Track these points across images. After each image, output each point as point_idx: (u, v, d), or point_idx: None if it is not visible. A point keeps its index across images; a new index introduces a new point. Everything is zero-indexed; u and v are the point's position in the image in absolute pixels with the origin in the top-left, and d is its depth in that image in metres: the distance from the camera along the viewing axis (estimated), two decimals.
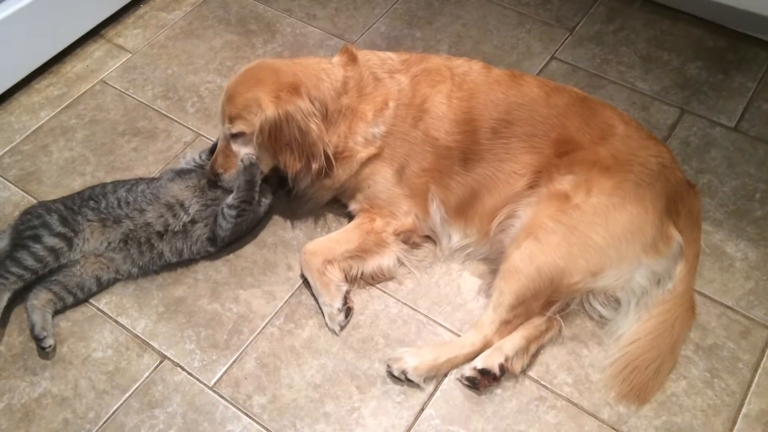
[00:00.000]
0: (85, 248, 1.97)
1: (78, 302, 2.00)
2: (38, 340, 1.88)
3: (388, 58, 2.10)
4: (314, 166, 1.99)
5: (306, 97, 1.94)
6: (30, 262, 1.90)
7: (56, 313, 1.97)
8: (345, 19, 2.84)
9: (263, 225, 2.19)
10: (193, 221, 2.02)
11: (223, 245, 2.09)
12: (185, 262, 2.09)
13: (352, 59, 2.06)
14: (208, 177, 2.06)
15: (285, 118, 1.91)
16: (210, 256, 2.11)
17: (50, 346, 1.89)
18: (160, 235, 2.00)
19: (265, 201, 2.11)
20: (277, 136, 1.94)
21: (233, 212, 2.00)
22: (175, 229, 2.00)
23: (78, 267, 1.96)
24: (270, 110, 1.91)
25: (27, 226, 1.96)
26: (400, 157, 2.03)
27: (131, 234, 1.98)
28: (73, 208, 2.00)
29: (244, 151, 2.01)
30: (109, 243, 1.98)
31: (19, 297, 1.96)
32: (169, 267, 2.08)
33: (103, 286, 2.03)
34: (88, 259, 1.97)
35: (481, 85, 2.02)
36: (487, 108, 1.99)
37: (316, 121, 1.94)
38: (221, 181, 2.04)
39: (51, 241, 1.92)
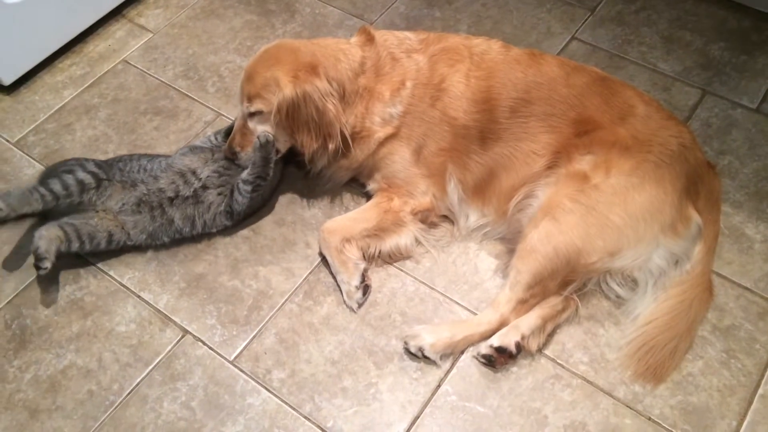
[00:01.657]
0: (107, 204, 2.02)
1: (82, 252, 2.02)
2: (38, 258, 1.90)
3: (406, 38, 2.10)
4: (331, 146, 2.00)
5: (324, 77, 1.95)
6: (57, 187, 1.97)
7: (59, 257, 1.94)
8: None
9: (282, 203, 2.22)
10: (204, 187, 2.05)
11: (240, 219, 2.12)
12: (205, 238, 2.13)
13: (370, 39, 2.06)
14: (225, 156, 2.09)
15: (303, 97, 1.92)
16: (229, 234, 2.14)
17: (46, 269, 1.90)
18: (171, 200, 2.03)
19: (276, 169, 2.15)
20: (294, 115, 1.95)
21: (249, 188, 2.04)
22: (186, 195, 2.04)
23: (96, 219, 2.01)
24: (288, 89, 1.92)
25: (63, 163, 2.10)
26: (417, 137, 2.04)
27: (144, 198, 2.02)
28: (106, 163, 2.11)
29: (261, 129, 2.03)
30: (124, 204, 2.02)
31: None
32: (190, 243, 2.12)
33: (111, 245, 2.04)
34: (107, 214, 2.02)
35: (500, 64, 2.01)
36: (505, 87, 1.99)
37: (334, 101, 1.96)
38: (238, 160, 2.07)
39: (82, 175, 2.00)
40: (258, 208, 2.17)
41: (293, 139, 2.03)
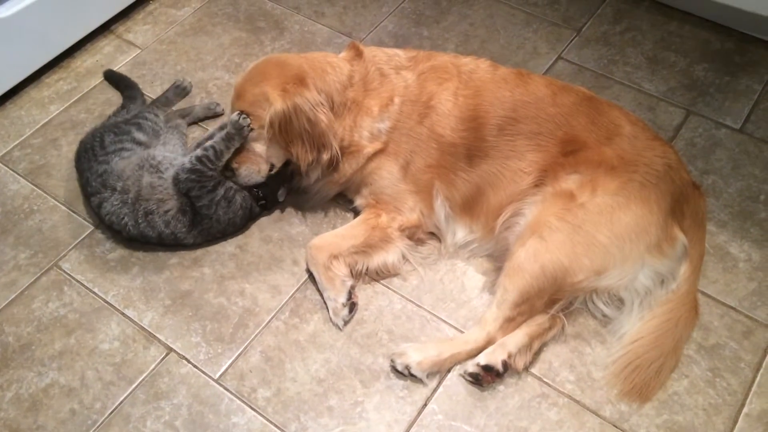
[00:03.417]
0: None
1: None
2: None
3: (395, 54, 2.11)
4: (325, 156, 2.00)
5: (313, 88, 1.96)
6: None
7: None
8: (353, 17, 2.86)
9: (269, 220, 2.21)
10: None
11: (186, 196, 2.05)
12: (191, 254, 2.12)
13: (359, 54, 2.08)
14: (225, 175, 2.08)
15: (293, 109, 1.93)
16: (216, 251, 2.13)
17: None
18: (151, 166, 2.08)
19: (254, 206, 2.15)
20: (287, 128, 1.96)
21: (199, 153, 2.00)
22: (161, 168, 2.07)
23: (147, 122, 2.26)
24: (278, 103, 1.93)
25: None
26: (405, 153, 2.05)
27: (142, 153, 2.13)
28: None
29: (255, 147, 2.03)
30: (141, 144, 2.19)
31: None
32: (176, 260, 2.11)
33: (109, 137, 2.16)
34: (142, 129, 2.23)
35: (487, 82, 2.03)
36: (493, 105, 2.00)
37: (324, 110, 1.96)
38: (237, 177, 2.06)
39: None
40: (231, 231, 2.15)
41: (288, 152, 2.03)
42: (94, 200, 2.09)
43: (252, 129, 2.00)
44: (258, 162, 2.07)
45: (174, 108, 2.46)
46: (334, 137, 1.99)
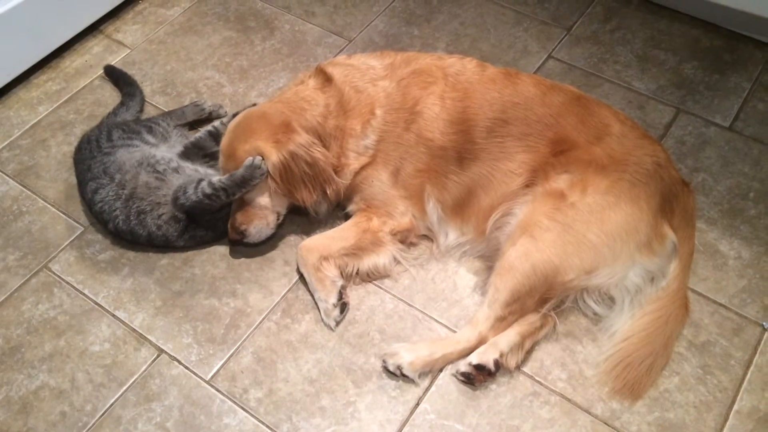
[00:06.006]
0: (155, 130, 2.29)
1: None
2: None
3: (369, 67, 2.09)
4: (329, 191, 2.00)
5: (300, 130, 1.96)
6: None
7: None
8: (343, 17, 2.85)
9: None
10: (175, 170, 2.08)
11: (181, 221, 2.05)
12: (182, 255, 2.11)
13: (328, 80, 2.06)
14: (233, 238, 2.04)
15: (291, 157, 1.93)
16: (207, 251, 2.13)
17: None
18: (150, 165, 2.08)
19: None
20: (288, 177, 1.95)
21: (208, 190, 1.95)
22: (159, 169, 2.08)
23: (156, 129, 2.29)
24: (274, 156, 1.92)
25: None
26: (394, 160, 2.04)
27: (145, 151, 2.15)
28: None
29: (260, 201, 2.01)
30: (145, 142, 2.22)
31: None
32: (166, 261, 2.10)
33: (117, 133, 2.21)
34: (147, 127, 2.29)
35: (475, 84, 2.03)
36: (482, 107, 2.00)
37: (318, 149, 1.96)
38: (248, 237, 2.02)
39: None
40: (215, 238, 2.14)
41: (292, 197, 2.01)
42: (91, 185, 2.09)
43: (267, 173, 1.95)
44: (265, 215, 2.03)
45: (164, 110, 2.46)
46: (333, 170, 2.00)
